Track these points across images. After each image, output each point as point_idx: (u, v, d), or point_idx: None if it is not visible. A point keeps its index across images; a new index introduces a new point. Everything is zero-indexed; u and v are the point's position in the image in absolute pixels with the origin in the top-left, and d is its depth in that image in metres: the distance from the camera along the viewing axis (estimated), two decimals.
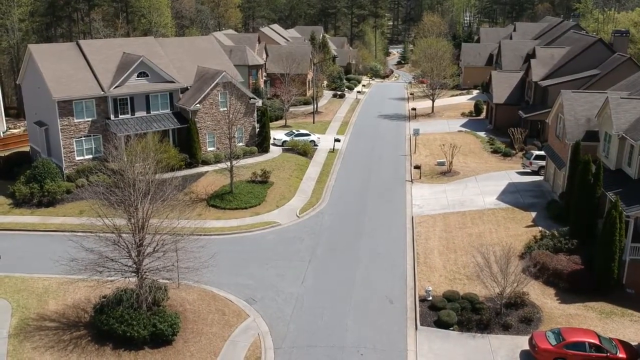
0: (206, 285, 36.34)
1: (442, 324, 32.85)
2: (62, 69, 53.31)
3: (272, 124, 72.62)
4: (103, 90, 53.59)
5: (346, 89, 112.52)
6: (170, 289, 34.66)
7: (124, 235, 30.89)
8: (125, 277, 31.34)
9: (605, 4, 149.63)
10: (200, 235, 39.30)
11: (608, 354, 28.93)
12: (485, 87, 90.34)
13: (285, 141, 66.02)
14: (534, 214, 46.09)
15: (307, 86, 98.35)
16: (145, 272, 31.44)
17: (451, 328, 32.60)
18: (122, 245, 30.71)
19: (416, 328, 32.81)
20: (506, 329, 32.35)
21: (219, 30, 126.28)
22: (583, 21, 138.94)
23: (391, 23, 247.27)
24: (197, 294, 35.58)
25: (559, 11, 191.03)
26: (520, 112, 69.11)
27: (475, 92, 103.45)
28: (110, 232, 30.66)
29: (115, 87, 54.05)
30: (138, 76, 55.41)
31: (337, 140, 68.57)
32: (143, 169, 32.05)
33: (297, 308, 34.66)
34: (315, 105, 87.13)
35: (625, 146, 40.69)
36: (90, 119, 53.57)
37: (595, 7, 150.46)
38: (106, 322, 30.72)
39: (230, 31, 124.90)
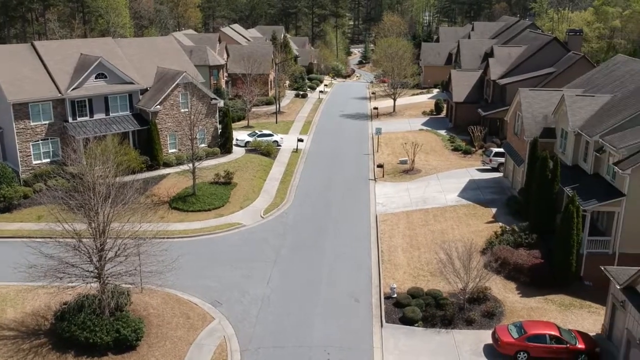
0: (170, 289, 35.87)
1: (407, 321, 33.18)
2: (17, 71, 51.91)
3: (234, 125, 72.15)
4: (60, 93, 52.43)
5: (308, 89, 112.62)
6: (134, 293, 34.13)
7: (84, 240, 30.30)
8: (87, 283, 30.68)
9: (560, 4, 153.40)
10: (163, 238, 38.94)
11: (568, 345, 29.69)
12: (445, 86, 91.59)
13: (248, 142, 65.70)
14: (494, 210, 46.96)
15: (269, 86, 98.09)
16: (107, 277, 30.86)
17: (416, 324, 32.95)
18: (83, 250, 30.09)
19: (382, 325, 33.06)
20: (469, 323, 32.86)
21: (179, 31, 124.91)
22: (538, 20, 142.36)
23: (352, 23, 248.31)
24: (160, 298, 35.12)
25: (516, 10, 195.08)
26: (479, 110, 70.32)
27: (435, 91, 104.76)
28: (70, 237, 30.04)
29: (73, 89, 52.95)
30: (96, 77, 54.40)
31: (300, 140, 68.56)
32: (103, 172, 31.41)
33: (263, 309, 34.55)
34: (277, 105, 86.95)
35: (581, 142, 41.79)
36: (47, 122, 52.36)
37: (550, 7, 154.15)
38: (67, 329, 30.06)
39: (190, 31, 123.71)
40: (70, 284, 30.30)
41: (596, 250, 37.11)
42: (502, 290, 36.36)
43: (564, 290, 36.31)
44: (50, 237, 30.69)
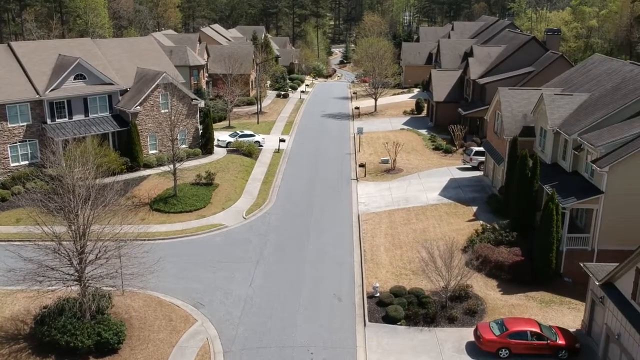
0: (152, 291, 35.63)
1: (390, 320, 33.30)
2: None
3: (215, 125, 71.93)
4: (38, 94, 51.86)
5: (290, 89, 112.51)
6: (115, 296, 33.85)
7: (64, 242, 29.94)
8: (67, 286, 30.36)
9: (538, 4, 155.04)
10: (145, 240, 38.71)
11: (548, 341, 30.01)
12: (426, 86, 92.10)
13: (229, 142, 65.46)
14: (475, 209, 47.31)
15: (250, 86, 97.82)
16: (87, 280, 30.57)
17: (399, 323, 33.09)
18: (63, 253, 29.75)
19: (365, 324, 33.14)
20: (452, 321, 33.09)
21: (158, 31, 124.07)
22: (517, 20, 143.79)
23: (332, 23, 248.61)
24: (142, 300, 34.85)
25: (495, 10, 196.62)
26: (459, 109, 70.84)
27: (416, 91, 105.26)
28: (49, 240, 29.67)
29: (51, 90, 52.39)
30: (75, 78, 53.87)
31: (282, 140, 68.49)
32: (82, 174, 31.04)
33: (246, 310, 34.45)
34: (259, 106, 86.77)
35: (560, 140, 42.29)
36: (25, 124, 51.77)
37: (529, 7, 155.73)
38: (48, 333, 29.68)
39: (170, 31, 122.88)
40: (50, 288, 29.95)
41: (576, 247, 37.60)
42: (484, 287, 36.66)
43: (544, 287, 36.71)
44: (29, 240, 30.35)
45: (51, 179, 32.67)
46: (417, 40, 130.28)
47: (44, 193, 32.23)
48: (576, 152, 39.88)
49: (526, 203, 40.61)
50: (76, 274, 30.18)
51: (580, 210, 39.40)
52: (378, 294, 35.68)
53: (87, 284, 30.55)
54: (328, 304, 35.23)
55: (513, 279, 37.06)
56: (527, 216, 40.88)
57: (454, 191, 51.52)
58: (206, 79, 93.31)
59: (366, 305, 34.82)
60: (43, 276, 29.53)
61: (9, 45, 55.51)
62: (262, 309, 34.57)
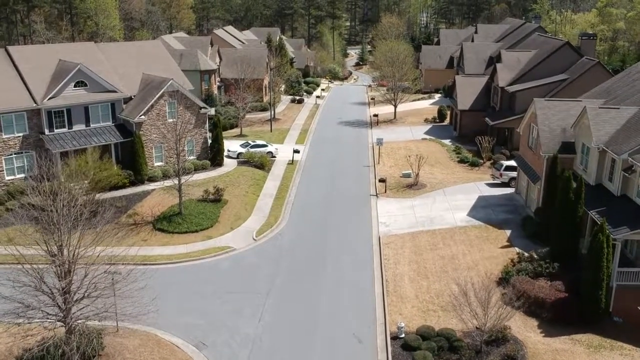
0: (149, 327, 31.88)
1: None
2: None
3: (226, 133, 68.20)
4: (35, 102, 48.39)
5: (305, 93, 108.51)
6: (108, 333, 30.11)
7: (48, 277, 26.15)
8: (48, 329, 26.57)
9: (562, 5, 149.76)
10: (145, 264, 35.20)
11: None
12: (448, 91, 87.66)
13: (240, 153, 61.48)
14: (508, 232, 42.93)
15: (264, 91, 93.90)
16: (74, 321, 26.78)
17: None
18: (46, 291, 25.99)
19: None
20: None
21: (171, 33, 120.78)
22: (540, 22, 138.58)
23: (348, 24, 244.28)
24: (139, 339, 31.02)
25: (515, 12, 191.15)
26: (486, 118, 66.26)
27: (437, 96, 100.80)
28: (35, 264, 25.86)
29: (50, 98, 48.89)
30: (75, 86, 50.32)
31: (297, 151, 64.41)
32: (68, 202, 27.04)
33: (254, 352, 30.49)
34: (272, 112, 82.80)
35: (606, 160, 37.86)
36: (21, 134, 48.34)
37: (552, 8, 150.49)
38: None
39: (182, 34, 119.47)
40: (30, 331, 26.28)
41: (627, 283, 33.18)
42: (522, 328, 32.37)
43: (591, 328, 32.34)
44: (11, 264, 26.62)
45: (33, 208, 28.90)
46: (437, 43, 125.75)
47: (40, 209, 28.31)
48: (626, 174, 35.42)
49: (569, 230, 36.23)
50: (61, 314, 26.43)
51: (631, 240, 34.96)
52: (403, 335, 31.53)
53: (73, 326, 26.77)
54: (346, 346, 31.18)
55: (556, 319, 32.71)
56: (570, 245, 36.51)
57: (484, 211, 47.15)
58: (218, 84, 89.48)
59: (390, 349, 30.70)
60: (22, 317, 25.81)
61: (6, 50, 51.97)
62: (272, 351, 30.62)
